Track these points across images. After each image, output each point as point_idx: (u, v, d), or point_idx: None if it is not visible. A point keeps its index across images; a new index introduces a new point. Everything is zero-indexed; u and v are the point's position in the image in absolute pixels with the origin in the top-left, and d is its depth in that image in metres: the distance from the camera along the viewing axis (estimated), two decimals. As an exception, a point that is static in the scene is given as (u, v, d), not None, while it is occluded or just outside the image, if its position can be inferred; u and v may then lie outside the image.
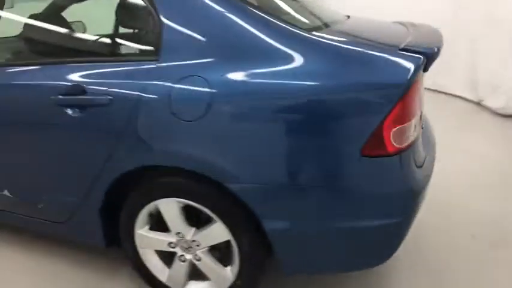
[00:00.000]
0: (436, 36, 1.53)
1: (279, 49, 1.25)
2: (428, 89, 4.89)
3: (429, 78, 4.77)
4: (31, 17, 1.61)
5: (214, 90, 1.25)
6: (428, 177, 1.46)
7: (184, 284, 1.59)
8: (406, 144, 1.26)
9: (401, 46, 1.27)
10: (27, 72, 1.57)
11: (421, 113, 1.49)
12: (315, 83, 1.20)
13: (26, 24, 1.64)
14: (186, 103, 1.29)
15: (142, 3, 1.39)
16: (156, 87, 1.32)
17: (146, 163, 1.40)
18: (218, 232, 1.43)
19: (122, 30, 1.46)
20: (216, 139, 1.29)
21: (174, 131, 1.32)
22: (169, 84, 1.30)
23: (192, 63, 1.31)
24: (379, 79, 1.19)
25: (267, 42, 1.27)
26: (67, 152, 1.54)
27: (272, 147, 1.25)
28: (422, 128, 1.50)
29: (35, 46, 1.56)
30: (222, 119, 1.26)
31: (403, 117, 1.22)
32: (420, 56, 1.23)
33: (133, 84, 1.36)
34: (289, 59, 1.23)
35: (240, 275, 1.48)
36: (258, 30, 1.28)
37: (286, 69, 1.22)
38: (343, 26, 1.69)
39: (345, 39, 1.36)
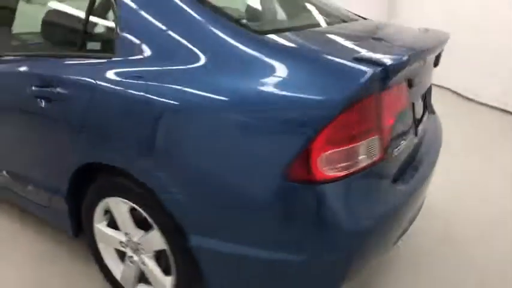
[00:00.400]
0: (428, 44, 1.27)
1: (216, 52, 1.16)
2: (497, 108, 4.25)
3: (498, 98, 4.18)
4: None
5: (149, 94, 1.20)
6: (405, 204, 1.25)
7: (134, 285, 1.57)
8: (349, 171, 1.06)
9: (357, 55, 1.07)
10: (18, 63, 1.70)
11: (401, 129, 1.26)
12: (241, 91, 1.08)
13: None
14: (124, 104, 1.26)
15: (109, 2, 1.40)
16: (104, 85, 1.32)
17: (91, 160, 1.41)
18: (155, 239, 1.38)
19: (90, 26, 1.48)
20: (147, 145, 1.24)
21: (112, 131, 1.31)
22: (115, 82, 1.29)
23: (138, 64, 1.28)
24: (308, 93, 1.02)
25: (204, 44, 1.18)
26: (40, 140, 1.63)
27: (194, 160, 1.15)
28: (396, 147, 1.25)
29: (23, 40, 1.69)
30: (151, 124, 1.21)
31: (343, 139, 1.03)
32: (372, 68, 1.01)
33: (87, 80, 1.37)
34: (219, 64, 1.13)
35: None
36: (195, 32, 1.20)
37: (210, 77, 1.12)
38: (329, 29, 1.51)
39: (296, 44, 1.19)
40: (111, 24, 1.38)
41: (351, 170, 1.06)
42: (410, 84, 1.28)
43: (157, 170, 1.22)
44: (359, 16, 2.15)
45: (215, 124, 1.10)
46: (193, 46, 1.18)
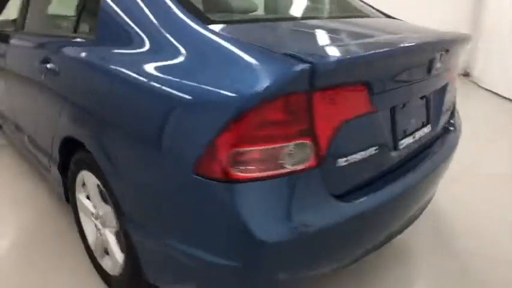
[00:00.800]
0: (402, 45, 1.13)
1: (157, 37, 1.17)
2: None
3: None
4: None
5: (107, 76, 1.27)
6: (354, 225, 1.14)
7: (102, 256, 1.66)
8: (265, 173, 0.98)
9: (290, 51, 0.98)
10: (35, 40, 1.90)
11: (356, 138, 1.13)
12: (162, 77, 1.09)
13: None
14: (85, 82, 1.34)
15: None
16: (81, 64, 1.41)
17: (67, 133, 1.52)
18: (111, 216, 1.44)
19: (83, 10, 1.59)
20: (96, 125, 1.30)
21: (76, 107, 1.39)
22: (84, 61, 1.38)
23: (105, 47, 1.34)
24: (223, 85, 0.96)
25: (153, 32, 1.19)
26: (42, 110, 1.81)
27: (124, 146, 1.19)
28: (344, 157, 1.12)
29: (39, 19, 1.88)
30: (104, 106, 1.26)
31: (258, 138, 0.96)
32: (297, 65, 0.93)
33: (71, 59, 1.48)
34: (157, 50, 1.14)
35: (124, 266, 1.46)
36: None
37: (147, 60, 1.13)
38: (310, 23, 1.42)
39: (236, 36, 1.13)
40: (95, 12, 1.46)
41: (268, 173, 0.98)
42: (371, 88, 1.13)
43: (103, 149, 1.27)
44: (383, 14, 1.99)
45: (140, 108, 1.11)
46: (139, 31, 1.21)
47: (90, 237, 1.73)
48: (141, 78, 1.12)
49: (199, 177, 0.99)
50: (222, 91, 0.96)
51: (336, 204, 1.10)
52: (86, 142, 1.38)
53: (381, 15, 1.99)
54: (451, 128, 1.77)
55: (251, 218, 0.98)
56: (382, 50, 1.10)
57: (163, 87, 1.06)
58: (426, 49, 1.26)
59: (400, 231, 1.50)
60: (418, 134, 1.44)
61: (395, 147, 1.32)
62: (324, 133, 1.04)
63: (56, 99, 1.60)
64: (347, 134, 1.10)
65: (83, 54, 1.40)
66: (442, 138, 1.67)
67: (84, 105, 1.35)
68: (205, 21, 1.18)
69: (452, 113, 1.82)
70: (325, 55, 0.96)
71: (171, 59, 1.10)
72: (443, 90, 1.61)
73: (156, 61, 1.13)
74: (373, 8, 2.06)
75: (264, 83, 0.92)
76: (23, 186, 2.44)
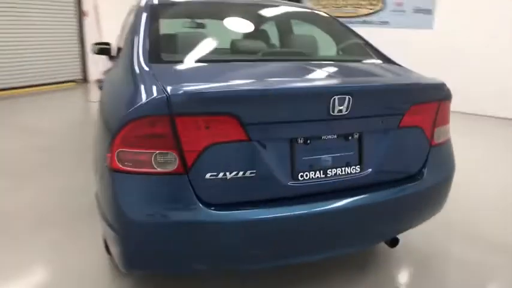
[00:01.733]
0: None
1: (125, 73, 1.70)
2: None
3: None
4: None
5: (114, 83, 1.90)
6: (218, 230, 1.38)
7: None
8: (136, 169, 1.35)
9: (169, 85, 1.34)
10: None
11: (228, 160, 1.38)
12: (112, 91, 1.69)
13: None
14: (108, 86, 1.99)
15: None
16: (111, 78, 2.08)
17: None
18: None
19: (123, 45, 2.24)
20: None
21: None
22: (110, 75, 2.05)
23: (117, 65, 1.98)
24: (124, 105, 1.41)
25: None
26: None
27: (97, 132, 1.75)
28: (212, 172, 1.36)
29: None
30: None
31: (133, 143, 1.34)
32: (158, 95, 1.30)
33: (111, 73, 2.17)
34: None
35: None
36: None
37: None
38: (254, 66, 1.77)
39: (157, 73, 1.52)
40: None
41: (141, 170, 1.34)
42: (242, 119, 1.34)
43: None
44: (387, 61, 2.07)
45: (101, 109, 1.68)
46: (122, 60, 1.76)
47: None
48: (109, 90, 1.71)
49: (106, 165, 1.43)
50: (121, 108, 1.40)
51: (201, 209, 1.36)
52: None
53: (378, 60, 2.07)
54: (418, 178, 1.68)
55: (124, 200, 1.36)
56: (245, 89, 1.32)
57: (110, 99, 1.58)
58: (308, 93, 1.39)
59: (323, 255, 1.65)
60: (334, 172, 1.51)
61: (294, 177, 1.46)
62: (189, 149, 1.34)
63: None
64: (214, 154, 1.35)
65: (112, 71, 2.09)
66: (393, 185, 1.63)
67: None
68: (156, 60, 1.64)
69: (425, 163, 1.72)
70: (188, 90, 1.28)
71: (121, 80, 1.62)
72: (388, 135, 1.60)
73: (116, 81, 1.67)
74: (379, 53, 2.14)
75: (136, 105, 1.32)
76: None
